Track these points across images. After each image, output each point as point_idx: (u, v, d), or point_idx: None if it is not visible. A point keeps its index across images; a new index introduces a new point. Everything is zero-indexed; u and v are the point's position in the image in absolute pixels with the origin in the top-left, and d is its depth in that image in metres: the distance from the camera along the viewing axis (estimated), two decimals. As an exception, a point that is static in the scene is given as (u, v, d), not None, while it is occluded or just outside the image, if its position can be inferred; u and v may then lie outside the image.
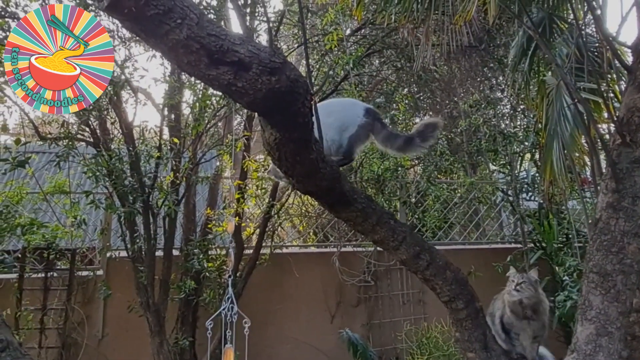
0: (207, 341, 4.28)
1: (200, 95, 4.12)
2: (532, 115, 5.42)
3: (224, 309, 1.52)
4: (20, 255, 4.15)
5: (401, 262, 2.23)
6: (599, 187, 1.76)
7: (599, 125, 2.83)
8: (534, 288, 2.01)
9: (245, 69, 1.21)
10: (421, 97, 6.90)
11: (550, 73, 3.70)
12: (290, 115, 1.42)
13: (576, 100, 1.97)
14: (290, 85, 1.30)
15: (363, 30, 5.82)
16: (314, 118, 1.55)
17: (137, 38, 4.04)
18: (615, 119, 1.69)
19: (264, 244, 4.67)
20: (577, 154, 2.94)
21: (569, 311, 3.51)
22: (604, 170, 1.71)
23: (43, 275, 4.20)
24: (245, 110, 4.68)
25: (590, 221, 1.93)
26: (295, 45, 5.64)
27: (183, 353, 4.10)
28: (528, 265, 4.52)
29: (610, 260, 1.62)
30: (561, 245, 4.42)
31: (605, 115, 2.59)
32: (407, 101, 6.28)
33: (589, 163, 3.11)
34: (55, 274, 4.30)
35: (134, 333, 4.36)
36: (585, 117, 2.05)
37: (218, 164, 4.98)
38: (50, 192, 4.46)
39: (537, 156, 5.38)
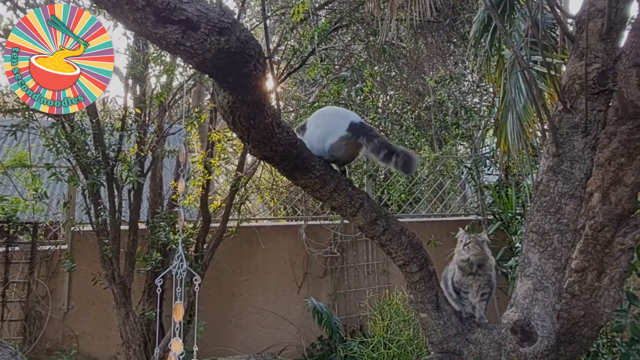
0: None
1: (165, 67, 4.06)
2: (494, 92, 5.56)
3: (174, 267, 1.56)
4: (-21, 229, 4.06)
5: (359, 227, 2.29)
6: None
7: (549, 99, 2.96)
8: (480, 247, 2.13)
9: (193, 28, 1.21)
10: (389, 74, 6.96)
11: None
12: (242, 78, 1.44)
13: (524, 70, 2.06)
14: (240, 46, 1.31)
15: (331, 4, 5.80)
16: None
17: (97, 6, 3.93)
18: (558, 87, 1.78)
19: (231, 217, 4.70)
20: (529, 127, 3.06)
21: (519, 275, 3.70)
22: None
23: (4, 249, 4.13)
24: (211, 83, 4.63)
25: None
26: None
27: (150, 324, 4.13)
28: (486, 235, 4.69)
29: (548, 220, 1.73)
30: (517, 216, 4.62)
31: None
32: (375, 77, 6.33)
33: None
34: (17, 248, 4.22)
35: (100, 306, 4.37)
36: (532, 88, 2.14)
37: (185, 137, 4.94)
38: (10, 165, 4.35)
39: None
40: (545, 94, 3.10)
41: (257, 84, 1.57)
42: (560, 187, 1.72)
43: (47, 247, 4.40)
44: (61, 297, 4.38)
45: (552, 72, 1.81)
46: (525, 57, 2.43)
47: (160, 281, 1.63)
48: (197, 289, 1.62)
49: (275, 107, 2.01)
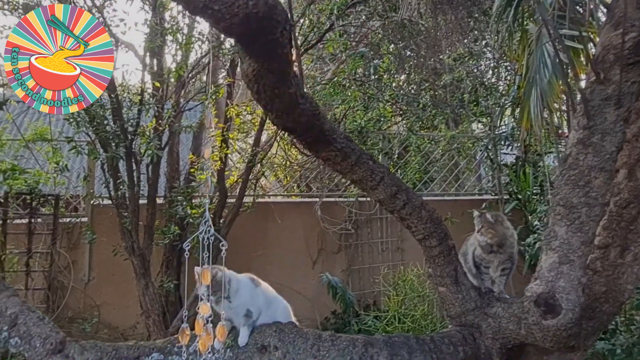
0: (192, 285, 4.41)
1: (183, 40, 4.05)
2: (514, 69, 5.46)
3: (201, 232, 1.58)
4: (2, 200, 4.14)
5: (379, 201, 2.29)
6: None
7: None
8: (495, 229, 2.11)
9: (220, -9, 1.20)
10: (406, 52, 6.86)
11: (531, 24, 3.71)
12: (269, 44, 1.43)
13: (555, 42, 2.02)
14: (267, 10, 1.30)
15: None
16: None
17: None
18: (591, 58, 1.75)
19: (247, 193, 4.73)
20: (553, 102, 3.01)
21: (538, 251, 3.71)
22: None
23: (27, 220, 4.22)
24: (229, 58, 4.62)
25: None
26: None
27: (168, 295, 4.22)
28: (502, 214, 4.68)
29: (576, 193, 1.72)
30: (535, 195, 4.59)
31: (583, 61, 2.65)
32: (392, 54, 6.24)
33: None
34: (39, 219, 4.31)
35: (119, 277, 4.47)
36: (564, 61, 2.10)
37: (202, 113, 4.95)
38: (31, 139, 4.41)
39: (517, 111, 5.47)
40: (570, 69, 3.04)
41: (283, 52, 1.56)
42: (590, 160, 1.70)
43: (68, 220, 4.48)
44: (82, 267, 4.49)
45: (579, 46, 1.77)
46: (552, 31, 2.38)
47: (187, 245, 1.66)
48: (223, 254, 1.65)
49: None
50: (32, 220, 4.22)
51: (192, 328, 1.69)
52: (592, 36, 2.58)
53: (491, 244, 2.17)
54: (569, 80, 1.99)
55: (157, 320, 3.97)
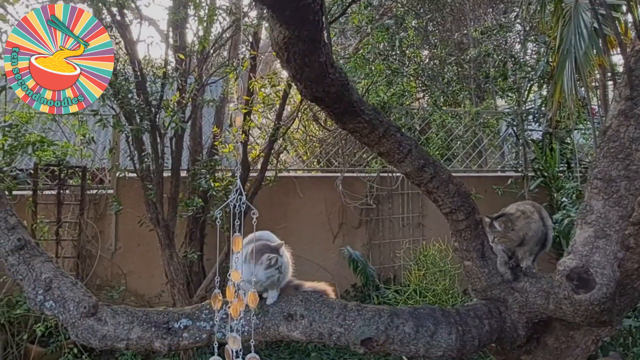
0: (214, 256, 4.46)
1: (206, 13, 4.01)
2: (545, 43, 5.28)
3: (232, 200, 1.58)
4: (32, 172, 4.24)
5: (405, 174, 2.25)
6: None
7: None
8: (506, 236, 2.02)
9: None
10: (431, 25, 6.69)
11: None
12: (300, 10, 1.40)
13: (595, 7, 1.93)
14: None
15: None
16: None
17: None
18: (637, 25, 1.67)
19: (269, 167, 4.75)
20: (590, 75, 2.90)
21: (565, 228, 3.66)
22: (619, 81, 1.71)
23: (56, 192, 4.32)
24: (252, 30, 4.57)
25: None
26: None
27: (192, 265, 4.31)
28: (527, 191, 4.62)
29: (616, 166, 1.66)
30: (562, 172, 4.50)
31: (622, 32, 2.54)
32: (416, 27, 6.09)
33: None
34: (67, 191, 4.42)
35: (144, 247, 4.57)
36: (604, 32, 2.01)
37: (224, 88, 4.94)
38: (58, 111, 4.46)
39: (544, 86, 5.32)
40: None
41: (315, 19, 1.53)
42: (631, 132, 1.64)
43: (94, 191, 4.58)
44: (109, 237, 4.60)
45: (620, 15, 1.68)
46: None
47: (219, 213, 1.67)
48: (254, 222, 1.66)
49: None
50: (61, 191, 4.32)
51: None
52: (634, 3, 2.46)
53: (510, 247, 2.12)
54: (619, 44, 1.90)
55: (182, 289, 4.07)
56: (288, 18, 1.50)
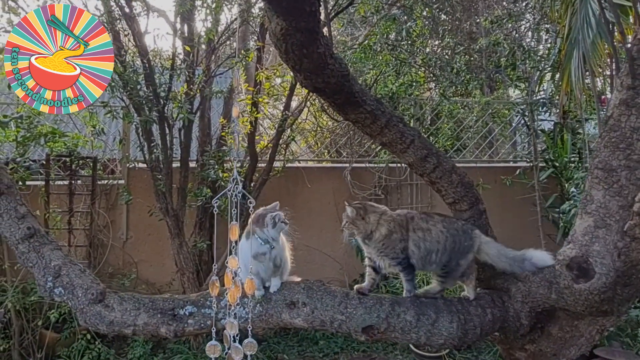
0: (223, 245, 4.52)
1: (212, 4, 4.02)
2: (556, 32, 5.20)
3: (229, 189, 1.62)
4: (44, 162, 4.33)
5: (409, 164, 2.27)
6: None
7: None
8: (352, 221, 1.95)
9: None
10: (440, 15, 6.60)
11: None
12: (297, 1, 1.41)
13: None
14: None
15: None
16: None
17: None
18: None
19: (277, 158, 4.77)
20: (597, 64, 2.85)
21: (572, 218, 3.62)
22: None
23: (67, 182, 4.41)
24: (259, 22, 4.57)
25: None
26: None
27: (201, 254, 4.37)
28: (537, 181, 4.58)
29: (617, 156, 1.65)
30: (572, 162, 4.44)
31: (631, 20, 2.49)
32: (425, 16, 6.03)
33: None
34: (79, 181, 4.50)
35: (155, 236, 4.65)
36: (609, 20, 1.98)
37: (232, 78, 4.96)
38: (68, 103, 4.52)
39: (557, 76, 5.23)
40: (615, 30, 2.86)
41: (311, 10, 1.53)
42: (633, 121, 1.62)
43: (105, 182, 4.66)
44: (120, 227, 4.69)
45: (628, 3, 1.66)
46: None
47: (216, 202, 1.70)
48: (251, 211, 1.69)
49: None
50: (72, 182, 4.40)
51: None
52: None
53: (358, 237, 2.03)
54: (614, 40, 1.88)
55: (192, 277, 4.14)
56: (285, 9, 1.51)
